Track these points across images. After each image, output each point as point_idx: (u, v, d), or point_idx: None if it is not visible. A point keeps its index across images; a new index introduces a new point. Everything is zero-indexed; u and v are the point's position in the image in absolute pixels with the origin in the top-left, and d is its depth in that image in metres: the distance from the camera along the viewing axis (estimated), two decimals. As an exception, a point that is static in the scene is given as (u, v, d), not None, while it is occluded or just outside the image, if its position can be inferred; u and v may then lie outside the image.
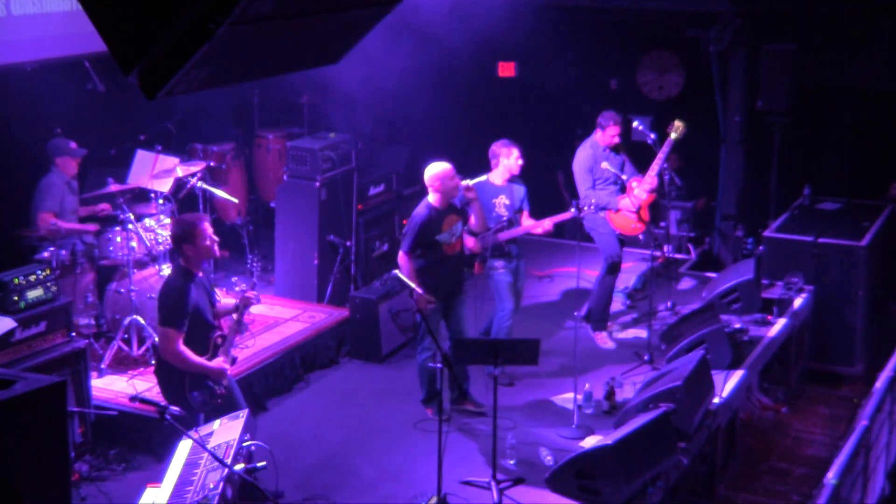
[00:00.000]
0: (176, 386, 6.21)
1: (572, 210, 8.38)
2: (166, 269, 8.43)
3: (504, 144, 8.47)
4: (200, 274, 6.37)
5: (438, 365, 6.79)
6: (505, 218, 8.40)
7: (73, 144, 8.45)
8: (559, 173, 12.29)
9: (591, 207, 8.54)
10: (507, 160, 8.42)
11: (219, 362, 6.30)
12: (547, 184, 12.22)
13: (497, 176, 8.48)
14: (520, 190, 8.56)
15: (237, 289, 9.59)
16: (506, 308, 8.40)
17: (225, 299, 6.90)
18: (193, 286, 6.22)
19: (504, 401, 7.85)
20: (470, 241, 8.25)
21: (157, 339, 6.30)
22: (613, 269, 9.15)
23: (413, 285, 7.49)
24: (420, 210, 7.79)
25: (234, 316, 6.54)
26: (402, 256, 7.71)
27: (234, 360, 6.51)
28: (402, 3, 3.48)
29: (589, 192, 8.93)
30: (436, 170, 7.75)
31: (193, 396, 6.20)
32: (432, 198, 7.76)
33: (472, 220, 7.96)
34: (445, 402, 7.71)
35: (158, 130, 10.20)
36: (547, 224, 8.42)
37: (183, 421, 5.60)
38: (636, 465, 6.46)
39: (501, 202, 8.45)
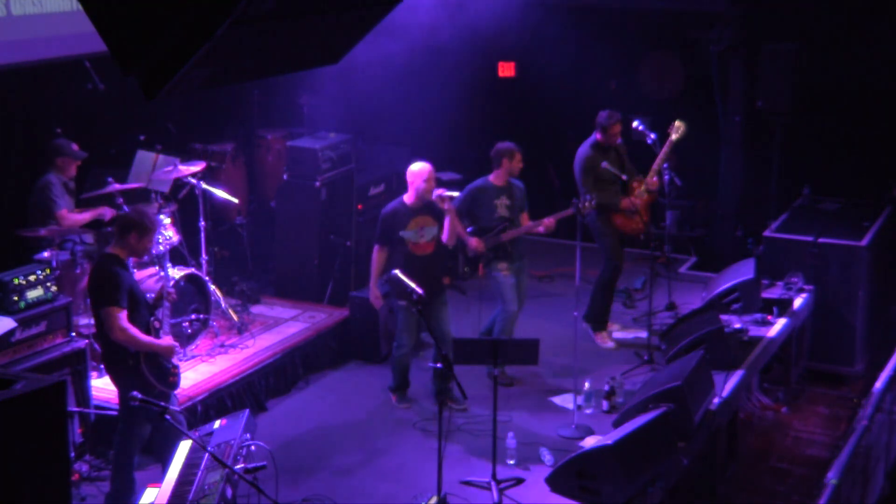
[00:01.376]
0: (132, 371, 6.27)
1: (573, 207, 8.36)
2: (167, 269, 8.42)
3: (507, 146, 8.47)
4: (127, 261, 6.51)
5: (438, 365, 6.79)
6: (507, 218, 8.40)
7: (74, 146, 8.45)
8: (549, 166, 12.27)
9: (593, 202, 8.55)
10: (510, 162, 8.43)
11: (167, 339, 6.42)
12: (547, 183, 12.22)
13: (498, 177, 8.48)
14: (519, 190, 8.56)
15: (237, 289, 9.60)
16: (509, 310, 8.40)
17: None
18: (126, 271, 6.37)
19: (504, 401, 7.86)
20: (473, 242, 8.27)
21: (99, 327, 6.39)
22: (615, 268, 9.15)
23: (413, 285, 7.49)
24: (390, 204, 8.06)
25: (164, 304, 6.68)
26: (375, 247, 8.03)
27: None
28: (403, 2, 3.49)
29: (590, 192, 8.92)
30: (414, 168, 7.97)
31: (151, 374, 6.30)
32: (407, 194, 7.95)
33: (444, 232, 7.97)
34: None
35: (158, 130, 10.20)
36: (549, 222, 8.43)
37: (149, 411, 5.66)
38: (636, 465, 6.46)
39: (503, 203, 8.44)
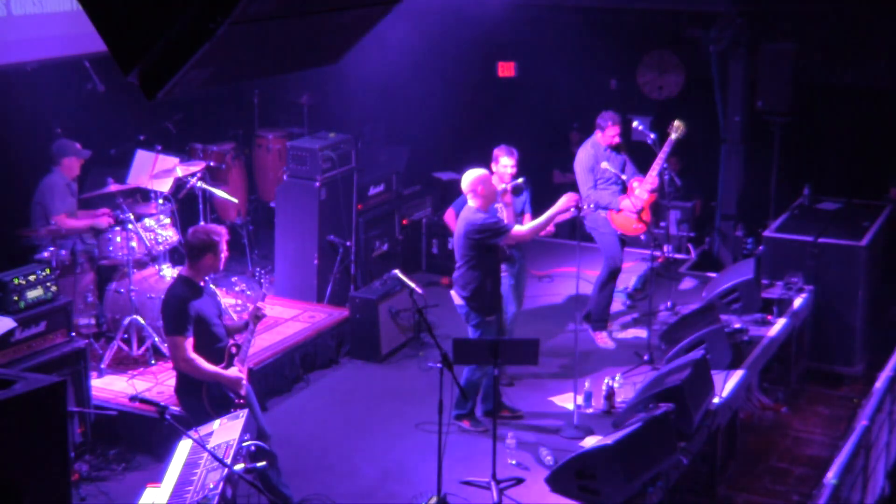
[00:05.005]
0: (194, 398, 6.14)
1: (573, 209, 8.35)
2: (166, 269, 8.43)
3: (499, 150, 8.40)
4: (202, 283, 6.30)
5: (438, 365, 6.78)
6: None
7: (78, 145, 8.45)
8: (555, 171, 12.29)
9: (592, 206, 8.54)
10: (496, 166, 8.35)
11: (235, 371, 6.23)
12: (547, 184, 12.23)
13: (495, 180, 8.45)
14: (521, 192, 8.54)
15: (237, 289, 9.61)
16: (510, 311, 8.39)
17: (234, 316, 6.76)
18: (198, 296, 6.17)
19: (504, 401, 7.86)
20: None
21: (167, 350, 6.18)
22: (614, 269, 9.15)
23: (413, 285, 7.48)
24: (474, 215, 7.58)
25: (249, 328, 6.45)
26: (516, 231, 7.67)
27: (249, 371, 6.42)
28: (402, 2, 3.49)
29: (591, 192, 8.93)
30: (475, 174, 7.57)
31: (211, 406, 6.13)
32: (474, 203, 7.55)
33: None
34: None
35: (158, 130, 10.20)
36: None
37: (184, 422, 5.58)
38: (636, 465, 6.47)
39: (504, 204, 8.41)
